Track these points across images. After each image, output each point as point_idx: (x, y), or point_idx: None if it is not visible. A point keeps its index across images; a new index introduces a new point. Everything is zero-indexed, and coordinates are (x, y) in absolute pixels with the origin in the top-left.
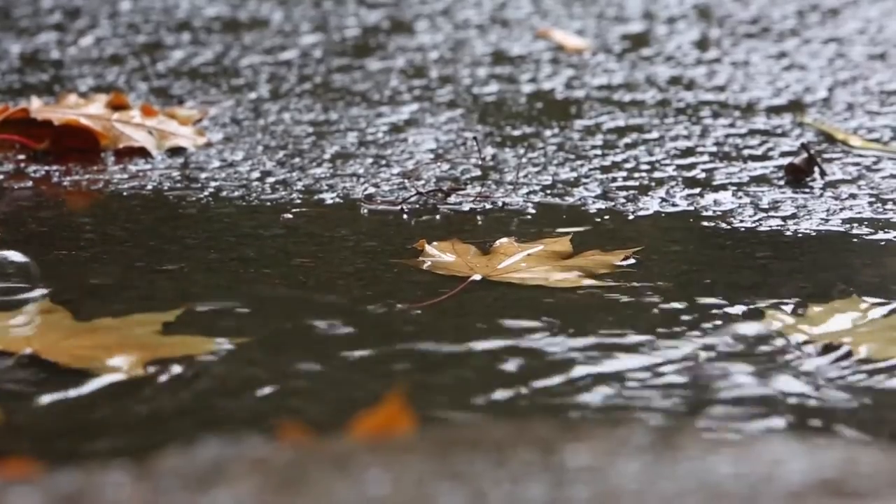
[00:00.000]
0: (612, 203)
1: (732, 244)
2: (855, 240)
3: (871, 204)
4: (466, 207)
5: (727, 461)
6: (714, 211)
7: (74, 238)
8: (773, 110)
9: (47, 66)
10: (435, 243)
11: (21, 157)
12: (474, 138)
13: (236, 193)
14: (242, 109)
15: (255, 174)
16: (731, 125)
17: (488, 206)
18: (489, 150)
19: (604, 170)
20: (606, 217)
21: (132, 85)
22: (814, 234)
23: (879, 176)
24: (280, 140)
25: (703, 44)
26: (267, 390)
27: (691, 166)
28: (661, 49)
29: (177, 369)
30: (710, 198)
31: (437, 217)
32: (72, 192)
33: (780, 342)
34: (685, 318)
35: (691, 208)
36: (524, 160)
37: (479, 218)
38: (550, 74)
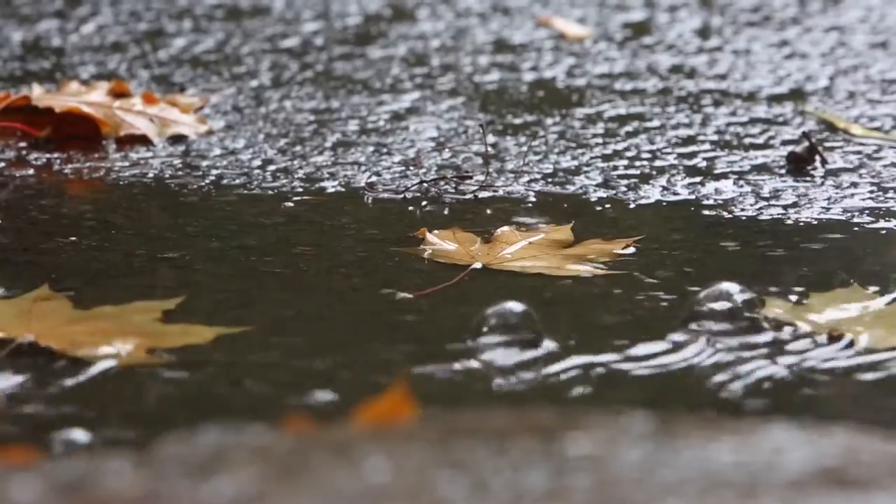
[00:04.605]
0: (614, 191)
1: (733, 233)
2: (856, 228)
3: (872, 193)
4: (468, 196)
5: (728, 450)
6: (715, 199)
7: (75, 226)
8: (775, 99)
9: (49, 53)
10: (436, 231)
11: (22, 144)
12: (480, 126)
13: (237, 181)
14: (244, 97)
15: (257, 162)
16: (733, 114)
17: (490, 194)
18: (490, 139)
19: (605, 158)
20: (607, 205)
21: (133, 72)
22: (815, 222)
23: (881, 164)
24: (281, 128)
25: (704, 32)
26: (267, 379)
27: (692, 155)
28: (662, 37)
29: (177, 357)
30: (711, 186)
31: (439, 205)
32: (73, 179)
33: (781, 331)
34: (685, 307)
35: (692, 197)
36: (526, 148)
37: (480, 206)
38: (552, 63)
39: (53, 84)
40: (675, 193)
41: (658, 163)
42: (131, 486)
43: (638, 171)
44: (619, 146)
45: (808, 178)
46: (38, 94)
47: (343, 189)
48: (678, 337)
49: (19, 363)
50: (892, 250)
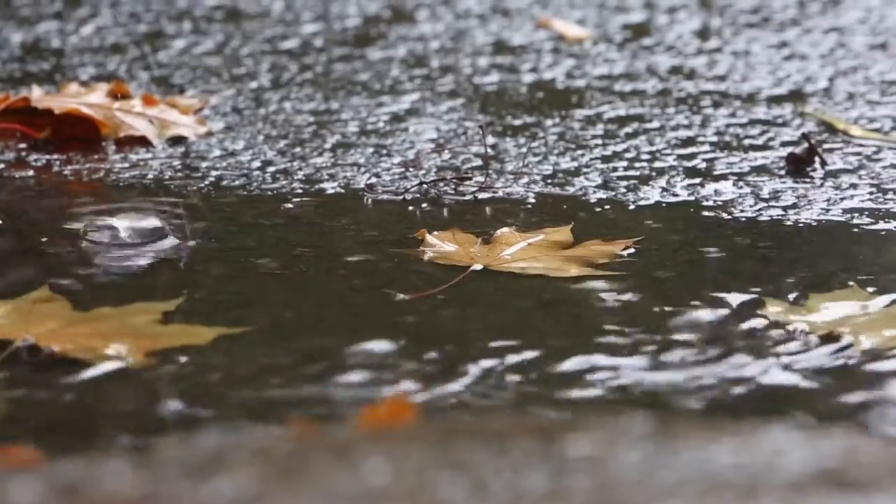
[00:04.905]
0: (613, 193)
1: (733, 234)
2: (855, 229)
3: (871, 194)
4: (468, 197)
5: (728, 451)
6: (715, 201)
7: (75, 227)
8: (774, 100)
9: (48, 54)
10: (436, 233)
11: (22, 146)
12: (480, 127)
13: (237, 183)
14: (243, 99)
15: (256, 163)
16: (732, 115)
17: (489, 195)
18: (489, 140)
19: (604, 159)
20: (607, 207)
21: (133, 74)
22: (814, 223)
23: (880, 166)
24: (281, 129)
25: (703, 33)
26: (267, 380)
27: (692, 156)
28: (661, 38)
29: (176, 358)
30: (710, 187)
31: (438, 206)
32: (73, 181)
33: (780, 332)
34: (685, 308)
35: (692, 198)
36: (525, 149)
37: (480, 207)
38: (551, 64)
39: (53, 85)
40: (675, 195)
41: (657, 164)
42: (131, 488)
43: (637, 173)
44: (619, 147)
45: (808, 180)
46: (37, 95)
47: (343, 190)
48: (677, 338)
49: (19, 365)
50: (891, 251)
